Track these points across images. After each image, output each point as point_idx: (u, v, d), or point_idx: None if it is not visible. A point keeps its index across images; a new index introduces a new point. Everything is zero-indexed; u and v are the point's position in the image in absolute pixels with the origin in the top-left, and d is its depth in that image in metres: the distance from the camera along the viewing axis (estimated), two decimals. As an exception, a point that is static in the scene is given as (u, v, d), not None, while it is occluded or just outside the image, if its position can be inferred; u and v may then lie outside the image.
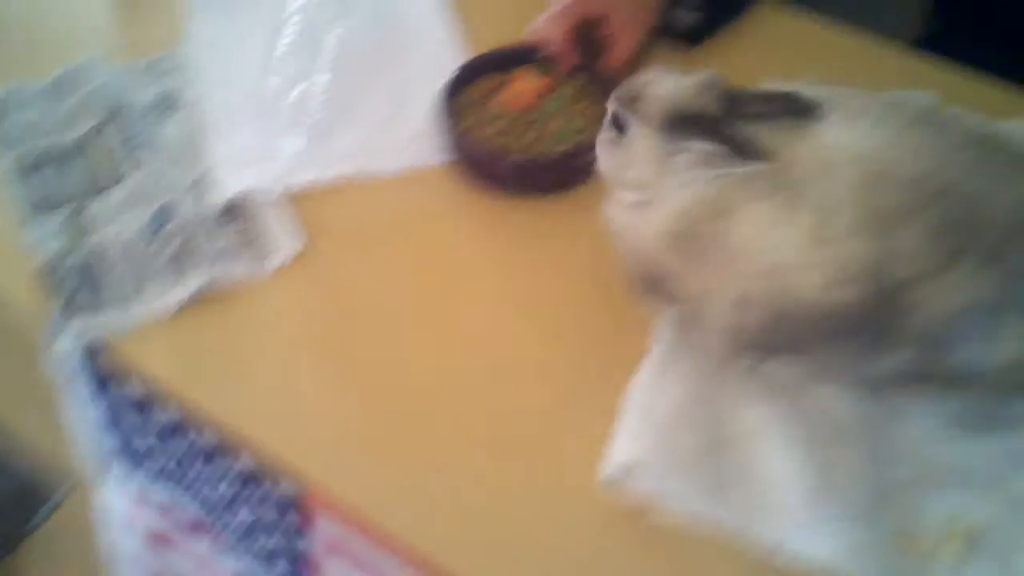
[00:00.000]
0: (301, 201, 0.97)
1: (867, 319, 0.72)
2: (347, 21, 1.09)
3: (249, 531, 0.88)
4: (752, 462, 0.78)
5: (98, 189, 0.97)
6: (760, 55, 1.11)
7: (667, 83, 0.79)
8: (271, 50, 1.07)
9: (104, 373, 0.88)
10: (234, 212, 0.95)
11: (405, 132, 1.03)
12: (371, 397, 0.85)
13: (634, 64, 1.06)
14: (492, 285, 0.92)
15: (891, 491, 0.76)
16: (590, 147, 0.94)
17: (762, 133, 0.74)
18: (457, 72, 1.03)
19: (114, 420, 0.91)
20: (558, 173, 0.98)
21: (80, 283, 0.90)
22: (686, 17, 1.12)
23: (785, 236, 0.72)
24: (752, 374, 0.81)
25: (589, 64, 1.05)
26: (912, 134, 0.74)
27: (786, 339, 0.76)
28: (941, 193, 0.71)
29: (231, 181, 0.97)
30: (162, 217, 0.94)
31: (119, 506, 0.98)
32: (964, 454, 0.78)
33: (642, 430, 0.79)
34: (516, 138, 0.99)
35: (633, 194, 0.79)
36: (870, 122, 0.75)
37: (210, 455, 0.85)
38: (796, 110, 0.75)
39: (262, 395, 0.85)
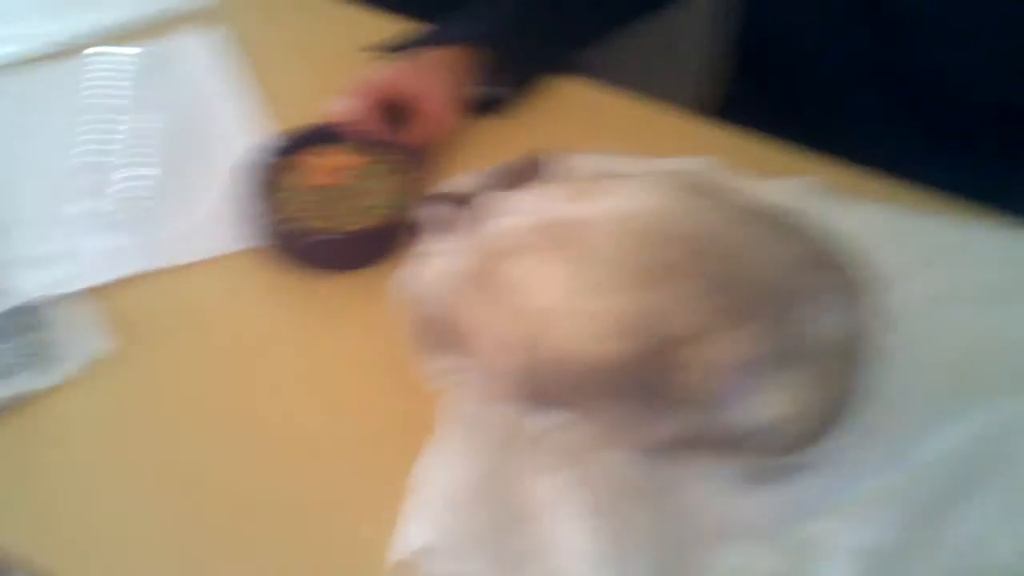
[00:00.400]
0: (106, 299, 0.95)
1: (639, 376, 0.74)
2: (148, 111, 1.11)
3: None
4: (545, 535, 0.78)
5: None
6: (566, 126, 1.15)
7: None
8: (69, 145, 1.07)
9: None
10: (30, 317, 0.92)
11: (213, 217, 1.02)
12: (171, 500, 0.83)
13: (444, 138, 1.09)
14: (306, 365, 0.92)
15: (681, 551, 0.78)
16: (401, 220, 0.97)
17: (546, 189, 0.81)
18: (263, 153, 1.03)
19: None
20: (370, 247, 0.99)
21: None
22: (490, 91, 1.14)
23: (550, 285, 0.75)
24: (541, 442, 0.82)
25: (397, 140, 1.06)
26: (685, 197, 0.77)
27: (557, 389, 0.77)
28: (708, 252, 0.73)
29: (25, 284, 0.94)
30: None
31: None
32: (748, 507, 0.80)
33: (432, 509, 0.79)
34: (328, 216, 1.00)
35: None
36: (646, 186, 0.78)
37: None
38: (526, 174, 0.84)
39: (51, 513, 0.82)
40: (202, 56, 1.22)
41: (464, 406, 0.85)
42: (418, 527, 0.78)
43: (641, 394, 0.75)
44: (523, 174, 0.85)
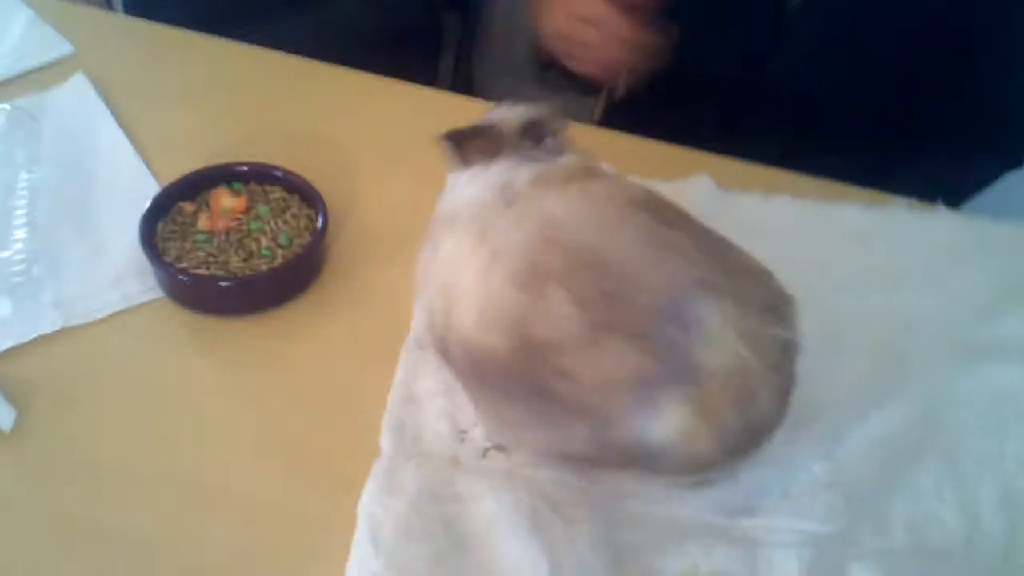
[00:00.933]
0: (7, 367, 0.90)
1: (519, 376, 0.73)
2: (35, 170, 1.06)
3: None
4: (488, 560, 0.76)
5: None
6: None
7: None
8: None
9: None
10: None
11: (111, 273, 0.98)
12: (99, 564, 0.79)
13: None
14: (225, 412, 0.88)
15: (628, 559, 0.77)
16: (302, 256, 0.96)
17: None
18: (153, 202, 0.99)
19: None
20: (275, 288, 0.96)
21: None
22: None
23: (463, 265, 0.75)
24: (478, 465, 0.81)
25: None
26: (612, 209, 0.76)
27: (460, 370, 0.78)
28: (597, 265, 0.72)
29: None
30: None
31: None
32: (692, 508, 0.80)
33: (373, 546, 0.76)
34: (227, 260, 0.96)
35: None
36: (570, 190, 0.77)
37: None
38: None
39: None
40: (73, 107, 1.17)
41: (400, 433, 0.84)
42: (359, 566, 0.76)
43: (526, 396, 0.74)
44: (533, 126, 0.84)
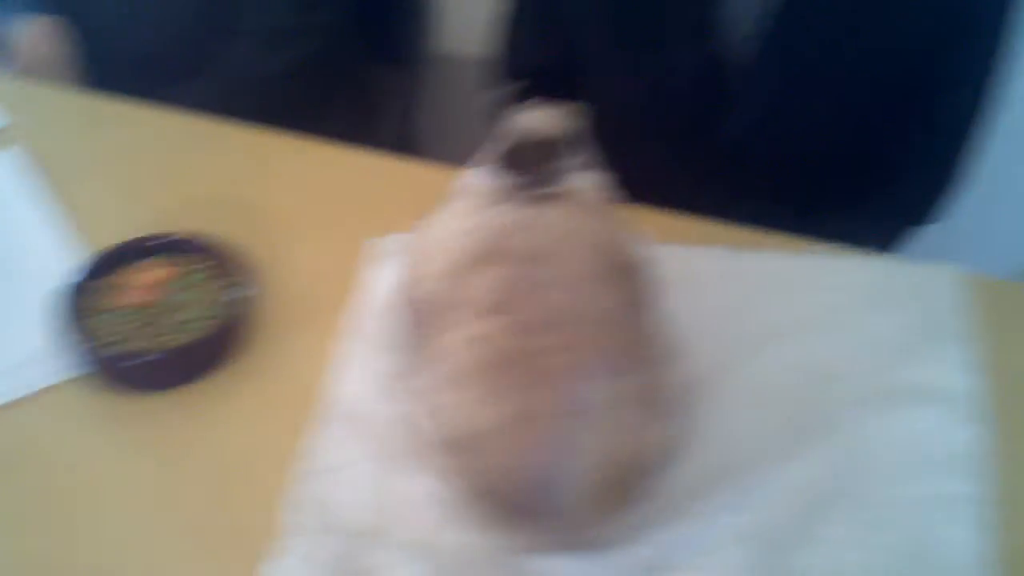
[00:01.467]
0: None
1: (424, 322, 0.82)
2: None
3: None
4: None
5: None
6: (400, 204, 1.14)
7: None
8: None
9: None
10: None
11: (26, 351, 0.97)
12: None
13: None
14: (146, 491, 0.88)
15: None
16: (220, 331, 0.95)
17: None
18: (75, 277, 0.99)
19: None
20: (193, 362, 0.96)
21: None
22: None
23: (455, 225, 0.82)
24: (388, 536, 0.81)
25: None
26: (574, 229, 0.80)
27: (415, 308, 0.85)
28: (526, 262, 0.77)
29: None
30: None
31: None
32: (601, 566, 0.80)
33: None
34: (148, 334, 0.96)
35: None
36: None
37: None
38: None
39: None
40: (2, 180, 1.17)
41: (309, 508, 0.84)
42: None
43: (419, 342, 0.82)
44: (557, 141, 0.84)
